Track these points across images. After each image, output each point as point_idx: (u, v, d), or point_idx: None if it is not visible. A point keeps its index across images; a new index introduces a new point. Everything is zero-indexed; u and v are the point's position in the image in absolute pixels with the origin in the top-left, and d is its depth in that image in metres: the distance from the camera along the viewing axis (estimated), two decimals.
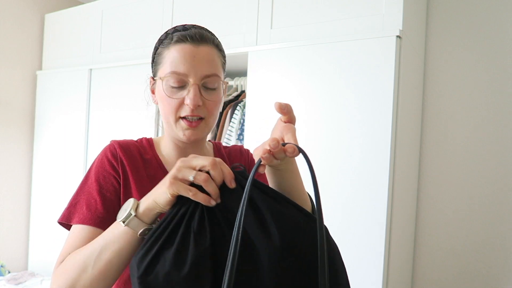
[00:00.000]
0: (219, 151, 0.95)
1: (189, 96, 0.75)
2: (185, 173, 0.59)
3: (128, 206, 0.64)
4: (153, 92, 0.84)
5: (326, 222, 1.64)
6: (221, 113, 1.92)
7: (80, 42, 2.45)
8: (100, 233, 0.71)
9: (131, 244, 0.64)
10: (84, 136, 2.34)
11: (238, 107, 1.83)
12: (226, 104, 1.94)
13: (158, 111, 2.05)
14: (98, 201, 0.76)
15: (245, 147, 1.62)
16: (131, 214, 0.63)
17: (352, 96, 1.44)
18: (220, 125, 1.91)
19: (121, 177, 0.79)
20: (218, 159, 0.61)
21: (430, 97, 1.79)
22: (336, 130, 1.47)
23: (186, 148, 0.85)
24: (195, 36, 0.77)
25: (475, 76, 1.70)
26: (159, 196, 0.62)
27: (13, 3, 2.52)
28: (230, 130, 1.82)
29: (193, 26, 0.82)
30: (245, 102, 1.83)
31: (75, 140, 2.39)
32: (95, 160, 0.82)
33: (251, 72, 1.70)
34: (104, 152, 0.82)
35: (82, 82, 2.37)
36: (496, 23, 1.66)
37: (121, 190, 0.78)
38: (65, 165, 2.43)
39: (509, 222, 1.61)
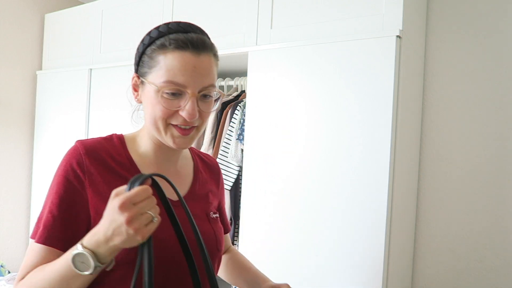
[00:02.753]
0: (197, 157, 0.94)
1: (186, 109, 0.71)
2: (143, 220, 0.58)
3: (87, 259, 0.59)
4: (135, 89, 0.79)
5: (326, 222, 1.64)
6: (221, 113, 1.92)
7: (80, 42, 2.45)
8: (56, 254, 0.67)
9: (88, 282, 0.64)
10: (84, 136, 2.34)
11: (238, 107, 1.83)
12: (226, 104, 1.94)
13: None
14: (57, 218, 0.69)
15: (246, 147, 1.63)
16: (99, 266, 0.60)
17: (352, 96, 1.44)
18: (220, 125, 1.91)
19: (89, 189, 0.71)
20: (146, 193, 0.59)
21: (430, 97, 1.79)
22: (336, 130, 1.47)
23: (168, 151, 0.81)
24: (197, 44, 0.72)
25: (475, 76, 1.70)
26: (126, 243, 0.58)
27: (13, 3, 2.52)
28: (230, 130, 1.82)
29: (190, 26, 0.76)
30: (245, 102, 1.83)
31: (75, 140, 2.38)
32: (59, 166, 0.74)
33: (251, 72, 1.70)
34: (68, 158, 0.73)
35: (82, 82, 2.37)
36: (496, 23, 1.66)
37: (89, 203, 0.71)
38: None
39: (510, 222, 1.61)
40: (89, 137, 2.48)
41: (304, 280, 1.50)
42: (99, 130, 2.28)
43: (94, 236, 0.60)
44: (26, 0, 2.59)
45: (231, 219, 1.86)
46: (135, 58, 0.79)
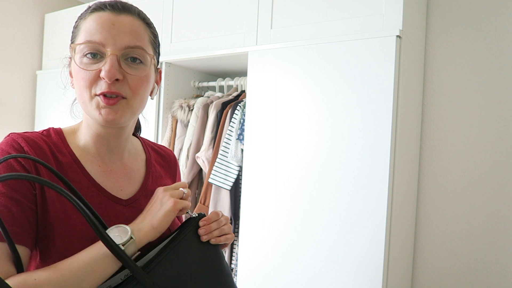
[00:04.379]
0: (150, 149, 0.88)
1: (105, 67, 0.65)
2: (179, 193, 0.70)
3: (124, 231, 0.61)
4: (71, 74, 0.72)
5: (326, 222, 1.63)
6: (221, 113, 1.92)
7: None
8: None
9: (113, 272, 0.60)
10: None
11: (238, 107, 1.83)
12: (226, 104, 1.94)
13: (158, 110, 2.05)
14: (14, 211, 0.60)
15: (246, 147, 1.62)
16: (132, 238, 0.60)
17: (352, 96, 1.44)
18: (220, 125, 1.91)
19: (35, 188, 0.63)
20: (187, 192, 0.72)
21: (430, 97, 1.79)
22: (336, 130, 1.47)
23: (108, 139, 0.74)
24: (116, 5, 0.69)
25: (475, 75, 1.70)
26: (164, 217, 0.65)
27: (13, 3, 2.52)
28: (230, 130, 1.82)
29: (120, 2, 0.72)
30: (245, 102, 1.83)
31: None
32: None
33: (251, 72, 1.70)
34: (4, 148, 0.64)
35: None
36: (496, 23, 1.66)
37: (36, 194, 0.63)
38: None
39: (510, 222, 1.61)
40: None
41: (304, 280, 1.50)
42: None
43: (136, 221, 0.66)
44: (26, 0, 2.59)
45: (231, 219, 1.86)
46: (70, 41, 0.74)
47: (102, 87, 0.66)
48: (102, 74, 0.65)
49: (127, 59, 0.68)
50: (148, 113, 2.04)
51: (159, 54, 0.80)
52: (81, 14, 0.71)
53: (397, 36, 1.36)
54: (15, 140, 0.65)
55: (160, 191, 0.70)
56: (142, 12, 0.74)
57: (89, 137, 0.74)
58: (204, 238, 0.72)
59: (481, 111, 1.68)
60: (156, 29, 0.78)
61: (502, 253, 1.62)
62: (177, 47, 1.99)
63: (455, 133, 1.73)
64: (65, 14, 2.57)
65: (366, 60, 1.41)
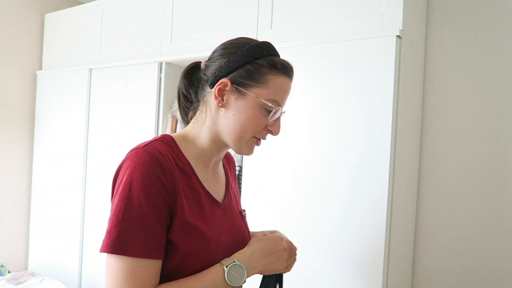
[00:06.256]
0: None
1: (276, 125, 0.81)
2: (294, 260, 0.90)
3: (242, 272, 0.73)
4: (220, 95, 0.78)
5: (326, 222, 1.63)
6: None
7: (80, 42, 2.45)
8: (158, 264, 0.69)
9: None
10: (84, 136, 2.34)
11: None
12: None
13: (158, 110, 2.04)
14: (157, 229, 0.68)
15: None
16: (243, 283, 0.73)
17: (352, 96, 1.44)
18: None
19: (172, 198, 0.71)
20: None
21: (430, 97, 1.79)
22: (336, 129, 1.47)
23: (222, 151, 0.85)
24: (292, 73, 0.86)
25: (475, 76, 1.70)
26: (271, 270, 0.80)
27: (13, 3, 2.52)
28: None
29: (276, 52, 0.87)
30: None
31: (75, 140, 2.39)
32: (131, 174, 0.68)
33: None
34: (147, 165, 0.69)
35: (82, 82, 2.37)
36: (496, 23, 1.66)
37: (177, 212, 0.71)
38: (65, 165, 2.43)
39: (510, 222, 1.61)
40: (89, 138, 2.45)
41: (304, 280, 1.50)
42: (99, 130, 2.29)
43: (248, 255, 0.76)
44: (26, 0, 2.59)
45: None
46: (230, 63, 0.78)
47: (263, 134, 0.81)
48: (273, 129, 0.81)
49: None
50: (148, 113, 2.04)
51: None
52: (271, 63, 0.80)
53: (397, 36, 1.36)
54: (155, 158, 0.70)
55: (281, 242, 0.81)
56: None
57: (207, 148, 0.82)
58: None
59: (481, 111, 1.68)
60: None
61: (502, 253, 1.62)
62: (177, 47, 1.99)
63: (455, 133, 1.73)
64: (65, 14, 2.57)
65: (366, 60, 1.41)
